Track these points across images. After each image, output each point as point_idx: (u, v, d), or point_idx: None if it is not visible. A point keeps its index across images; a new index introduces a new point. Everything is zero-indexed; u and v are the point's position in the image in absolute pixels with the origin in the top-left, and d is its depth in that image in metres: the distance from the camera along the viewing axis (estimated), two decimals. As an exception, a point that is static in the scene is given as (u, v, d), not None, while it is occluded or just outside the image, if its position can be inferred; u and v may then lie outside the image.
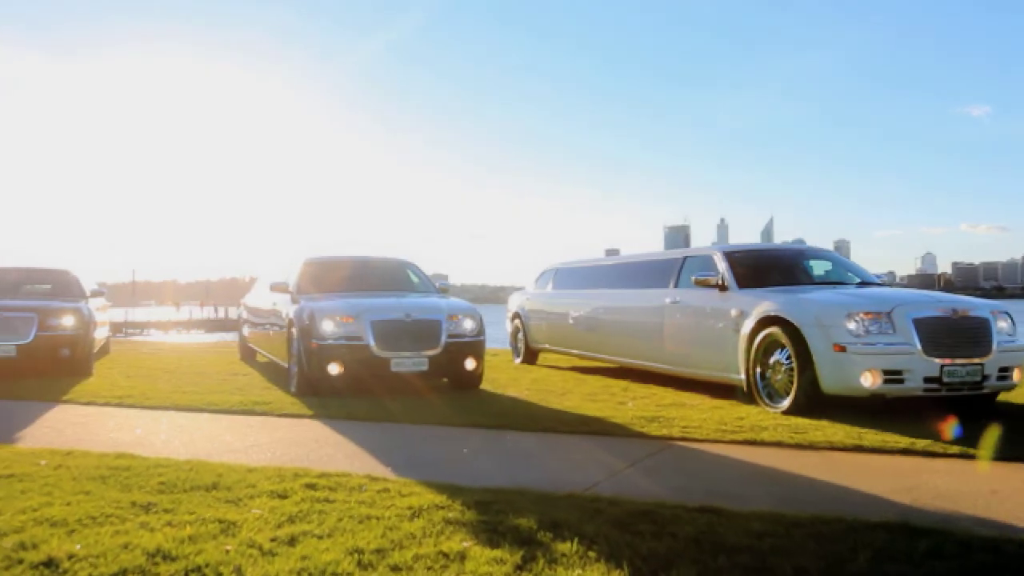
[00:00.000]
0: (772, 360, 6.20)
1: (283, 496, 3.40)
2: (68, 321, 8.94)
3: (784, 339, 6.00)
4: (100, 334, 10.76)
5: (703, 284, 7.05)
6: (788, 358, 6.00)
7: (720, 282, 6.98)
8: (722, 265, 7.16)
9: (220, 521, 2.97)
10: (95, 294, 10.42)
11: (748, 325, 6.42)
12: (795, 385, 5.89)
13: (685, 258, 7.90)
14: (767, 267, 7.36)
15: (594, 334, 9.20)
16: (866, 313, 5.70)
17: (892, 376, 5.52)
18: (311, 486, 3.59)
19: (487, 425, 5.64)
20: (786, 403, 5.97)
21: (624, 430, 5.38)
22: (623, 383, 8.28)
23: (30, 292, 10.07)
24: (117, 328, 40.80)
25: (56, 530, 2.86)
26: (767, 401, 6.21)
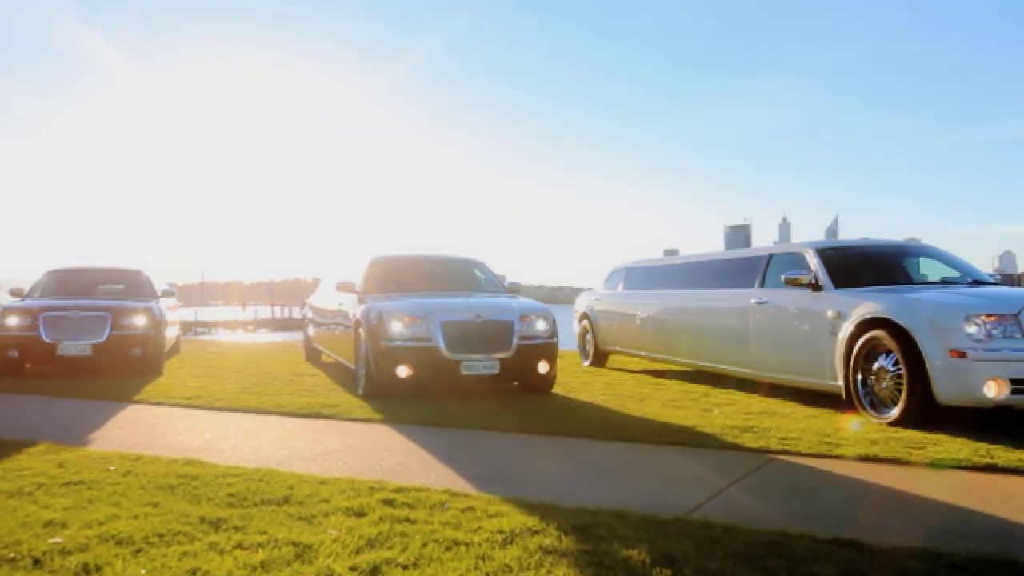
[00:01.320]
0: (875, 366, 5.67)
1: (360, 514, 3.12)
2: (140, 321, 8.99)
3: (890, 343, 5.47)
4: (171, 333, 10.85)
5: (794, 283, 6.54)
6: (895, 364, 5.47)
7: (813, 281, 6.47)
8: (815, 263, 6.65)
9: (294, 544, 2.70)
10: (166, 294, 10.50)
11: (847, 328, 5.90)
12: (904, 394, 5.36)
13: (771, 255, 7.39)
14: (865, 264, 6.80)
15: (670, 336, 8.75)
16: (988, 315, 5.13)
17: (1022, 386, 4.94)
18: (388, 502, 3.30)
19: (566, 433, 5.29)
20: (893, 413, 5.44)
21: (716, 441, 4.96)
22: (703, 388, 7.82)
23: (105, 292, 10.20)
24: (187, 327, 42.01)
25: (122, 550, 2.64)
26: (870, 411, 5.68)
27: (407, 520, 3.03)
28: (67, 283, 10.10)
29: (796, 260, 6.92)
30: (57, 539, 2.76)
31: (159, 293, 10.30)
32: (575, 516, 3.08)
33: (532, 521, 3.00)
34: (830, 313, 6.16)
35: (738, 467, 4.24)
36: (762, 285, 7.22)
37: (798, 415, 5.99)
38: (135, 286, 10.36)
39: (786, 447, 4.71)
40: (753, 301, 7.16)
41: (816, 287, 6.45)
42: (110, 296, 9.93)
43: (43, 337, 8.55)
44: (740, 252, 8.45)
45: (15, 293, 9.93)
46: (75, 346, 8.60)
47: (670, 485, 3.88)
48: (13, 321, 8.65)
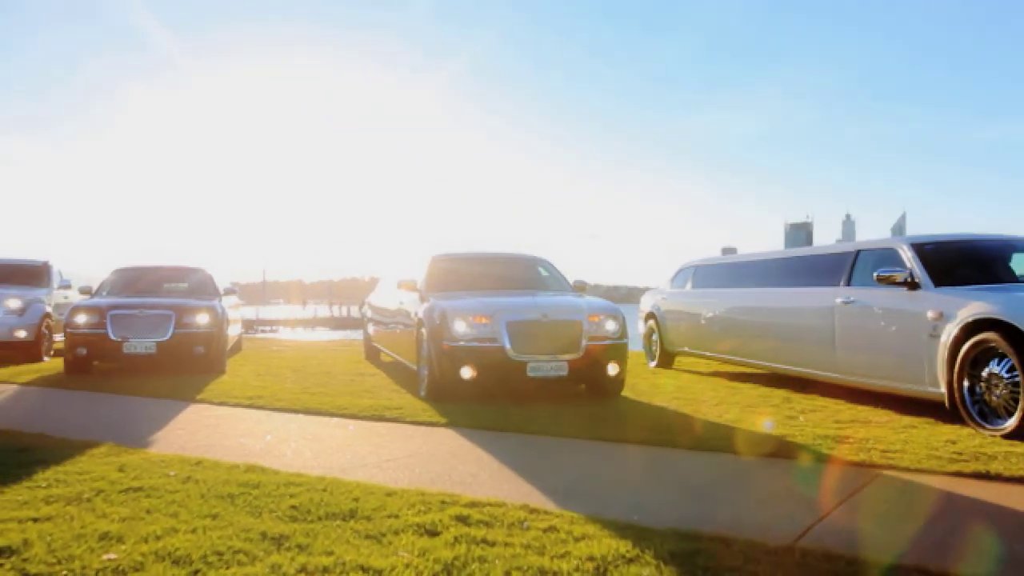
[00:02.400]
0: (985, 373, 5.14)
1: (432, 532, 2.85)
2: (203, 319, 8.98)
3: (1005, 348, 4.94)
4: (233, 331, 10.87)
5: (887, 281, 6.03)
6: (1010, 370, 4.95)
7: (909, 279, 5.95)
8: (910, 258, 6.12)
9: (363, 568, 2.44)
10: (228, 292, 10.52)
11: (951, 330, 5.38)
12: (1022, 403, 4.84)
13: (858, 252, 6.87)
14: (967, 261, 6.24)
15: (745, 337, 8.28)
16: (1123, 316, 4.58)
17: None
18: (462, 519, 3.02)
19: (643, 441, 4.94)
20: (1009, 424, 4.91)
21: (810, 452, 4.54)
22: (782, 392, 7.35)
23: (169, 290, 10.27)
24: (249, 325, 42.91)
25: (178, 571, 2.42)
26: (979, 421, 5.16)
27: (484, 541, 2.74)
28: (133, 281, 10.21)
29: (888, 256, 6.40)
30: (112, 555, 2.56)
31: (221, 292, 10.31)
32: (672, 541, 2.74)
33: (624, 546, 2.67)
34: (930, 314, 5.65)
35: (841, 483, 3.83)
36: (848, 283, 6.72)
37: (894, 424, 5.51)
38: (198, 284, 10.41)
39: (890, 461, 4.27)
40: (839, 300, 6.67)
41: (913, 285, 5.94)
42: (174, 294, 9.98)
43: (110, 335, 8.60)
44: (822, 248, 7.94)
45: (84, 291, 10.08)
46: (140, 344, 8.64)
47: (769, 503, 3.50)
48: (82, 319, 8.73)
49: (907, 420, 5.65)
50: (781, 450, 4.63)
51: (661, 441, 4.93)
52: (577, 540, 2.76)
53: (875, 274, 6.14)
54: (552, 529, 2.89)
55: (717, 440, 4.91)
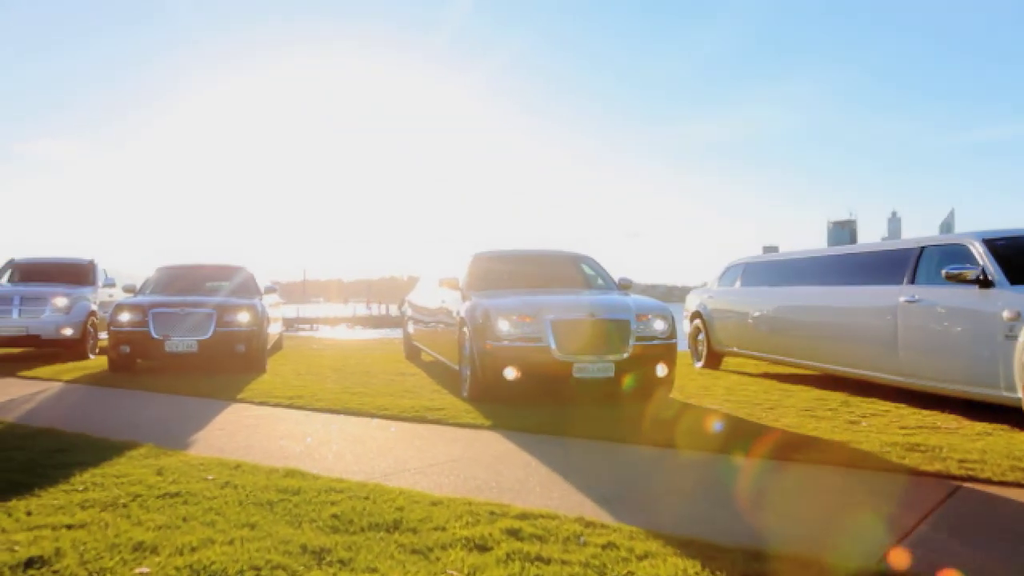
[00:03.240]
0: (1070, 376, 4.78)
1: (482, 547, 2.65)
2: (244, 318, 8.95)
3: (1092, 350, 4.58)
4: (273, 330, 10.85)
5: (957, 279, 5.68)
6: (1098, 375, 4.58)
7: (981, 276, 5.59)
8: (982, 255, 5.75)
9: (410, 589, 2.26)
10: (268, 291, 10.49)
11: (1030, 331, 5.02)
12: (1112, 411, 4.47)
13: (923, 248, 6.50)
14: (1044, 257, 5.84)
15: (797, 338, 7.94)
16: None
17: None
18: (513, 532, 2.82)
19: (696, 447, 4.69)
20: (1097, 434, 4.55)
21: (879, 461, 4.24)
22: (838, 395, 7.01)
23: (210, 289, 10.29)
24: (289, 324, 43.35)
25: (213, 587, 2.27)
26: (1062, 429, 4.80)
27: (539, 559, 2.53)
28: (175, 280, 10.25)
29: (957, 253, 6.03)
30: (144, 569, 2.42)
31: (262, 290, 10.29)
32: (742, 560, 2.51)
33: (692, 567, 2.44)
34: (1006, 314, 5.28)
35: (919, 497, 3.54)
36: (912, 281, 6.36)
37: (967, 431, 5.16)
38: (240, 283, 10.40)
39: (970, 472, 3.95)
40: (903, 299, 6.31)
41: (985, 283, 5.57)
42: (216, 293, 9.98)
43: (152, 333, 8.62)
44: (881, 245, 7.58)
45: (128, 290, 10.16)
46: (182, 342, 8.64)
47: (842, 518, 3.23)
48: (125, 317, 8.77)
49: (980, 427, 5.30)
50: (847, 459, 4.33)
51: (716, 447, 4.68)
52: (640, 559, 2.53)
53: (943, 271, 5.79)
54: (611, 545, 2.67)
55: (778, 446, 4.63)
